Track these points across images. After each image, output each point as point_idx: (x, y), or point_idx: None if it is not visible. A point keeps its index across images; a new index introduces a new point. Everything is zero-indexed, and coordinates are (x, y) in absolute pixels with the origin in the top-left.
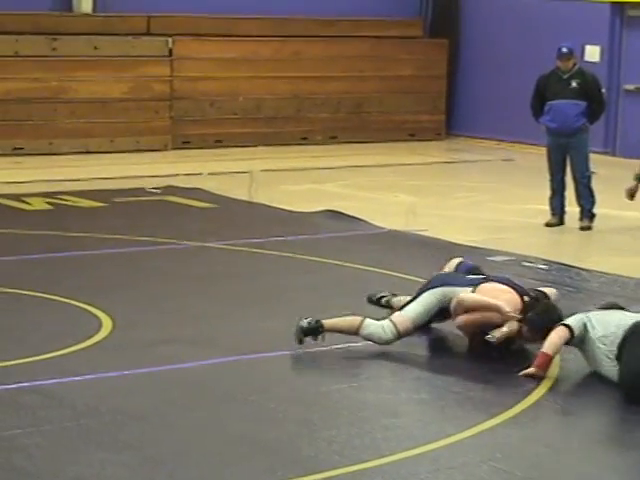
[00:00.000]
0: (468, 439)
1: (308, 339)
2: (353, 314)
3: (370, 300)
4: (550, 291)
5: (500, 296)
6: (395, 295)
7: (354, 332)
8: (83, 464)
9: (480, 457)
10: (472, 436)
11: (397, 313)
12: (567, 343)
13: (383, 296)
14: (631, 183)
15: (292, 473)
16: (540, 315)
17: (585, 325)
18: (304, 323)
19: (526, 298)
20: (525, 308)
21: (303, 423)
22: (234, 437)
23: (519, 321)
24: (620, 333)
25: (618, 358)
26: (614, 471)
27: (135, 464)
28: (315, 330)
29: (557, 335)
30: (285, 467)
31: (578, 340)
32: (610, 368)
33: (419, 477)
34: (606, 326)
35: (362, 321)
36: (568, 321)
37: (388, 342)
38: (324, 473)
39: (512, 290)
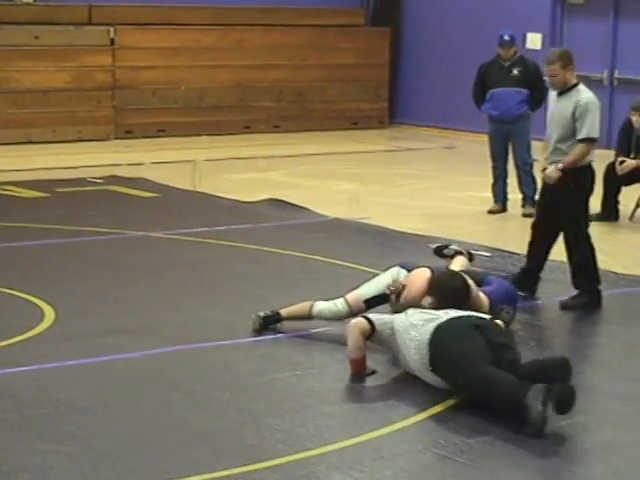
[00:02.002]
0: (411, 426)
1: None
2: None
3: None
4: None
5: (416, 275)
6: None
7: (307, 315)
8: (26, 455)
9: (423, 444)
10: (415, 423)
11: (351, 292)
12: (368, 338)
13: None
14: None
15: (236, 462)
16: (435, 284)
17: (392, 325)
18: (261, 314)
19: (436, 272)
20: (431, 280)
21: (247, 412)
22: (178, 427)
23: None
24: (425, 340)
25: (434, 370)
26: (555, 458)
27: (78, 454)
28: (273, 318)
29: (354, 330)
30: (229, 456)
31: (379, 340)
32: (429, 375)
33: (363, 464)
34: (408, 329)
35: (313, 303)
36: (371, 315)
37: (340, 315)
38: (268, 462)
39: (429, 269)
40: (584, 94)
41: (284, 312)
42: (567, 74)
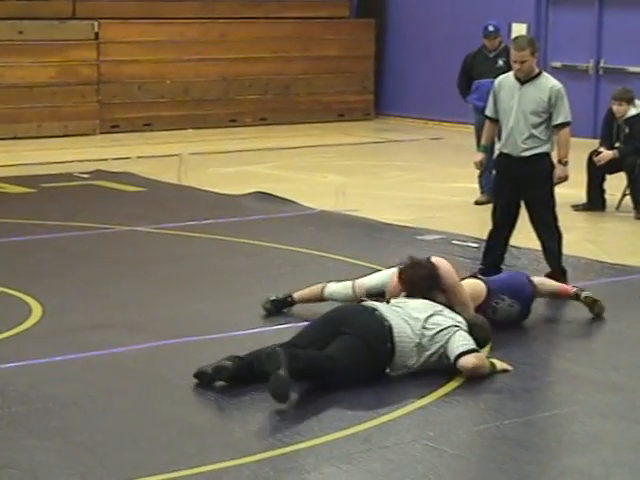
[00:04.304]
0: (400, 418)
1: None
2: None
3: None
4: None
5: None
6: None
7: (320, 297)
8: (14, 451)
9: (412, 436)
10: (404, 415)
11: (360, 279)
12: None
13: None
14: (479, 155)
15: (224, 456)
16: (402, 275)
17: None
18: (272, 297)
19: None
20: (400, 273)
21: (235, 406)
22: (166, 421)
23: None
24: None
25: None
26: (544, 448)
27: (66, 450)
28: (284, 302)
29: None
30: (217, 450)
31: None
32: None
33: (352, 457)
34: None
35: (325, 285)
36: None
37: (348, 298)
38: (256, 455)
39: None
40: (553, 80)
41: (297, 295)
42: (534, 61)
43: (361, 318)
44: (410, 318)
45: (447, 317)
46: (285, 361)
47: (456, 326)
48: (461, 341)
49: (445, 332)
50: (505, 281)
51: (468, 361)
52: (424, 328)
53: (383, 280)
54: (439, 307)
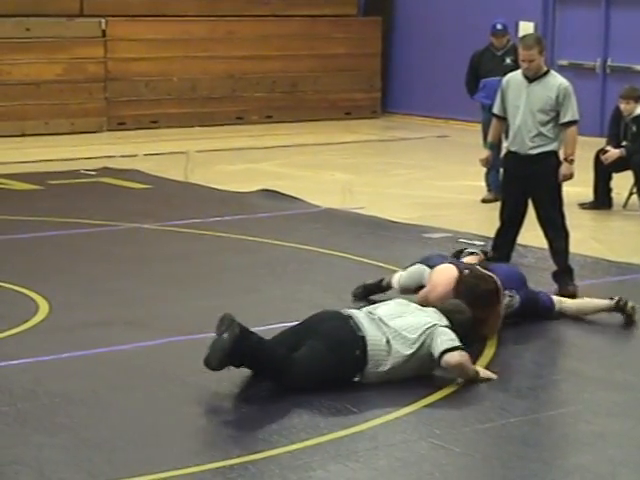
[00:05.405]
0: (406, 416)
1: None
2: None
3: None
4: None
5: (440, 274)
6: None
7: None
8: (20, 448)
9: (419, 434)
10: (411, 413)
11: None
12: None
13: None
14: (485, 153)
15: (231, 453)
16: (464, 285)
17: None
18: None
19: (465, 272)
20: (460, 281)
21: (240, 403)
22: (172, 418)
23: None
24: None
25: None
26: (550, 447)
27: (73, 447)
28: (377, 286)
29: None
30: (224, 447)
31: None
32: None
33: (358, 454)
34: None
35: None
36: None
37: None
38: (263, 453)
39: (454, 267)
40: (561, 78)
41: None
42: (541, 60)
43: (329, 325)
44: (386, 327)
45: (421, 317)
46: (235, 331)
47: (433, 325)
48: (444, 338)
49: (424, 335)
50: (501, 275)
51: (453, 356)
52: (400, 336)
53: (413, 279)
54: (405, 303)
